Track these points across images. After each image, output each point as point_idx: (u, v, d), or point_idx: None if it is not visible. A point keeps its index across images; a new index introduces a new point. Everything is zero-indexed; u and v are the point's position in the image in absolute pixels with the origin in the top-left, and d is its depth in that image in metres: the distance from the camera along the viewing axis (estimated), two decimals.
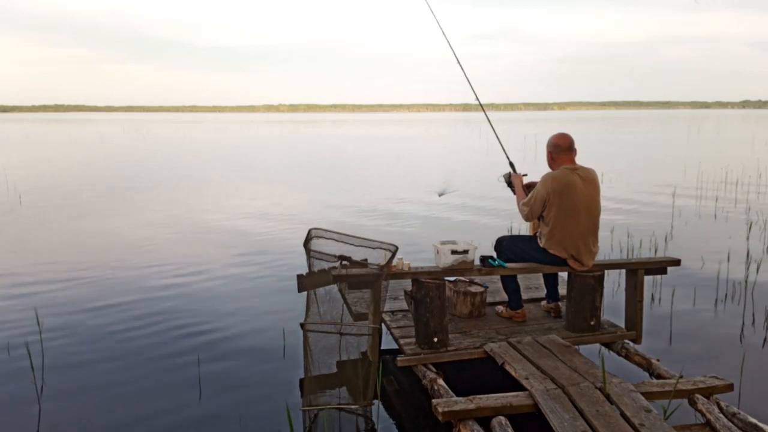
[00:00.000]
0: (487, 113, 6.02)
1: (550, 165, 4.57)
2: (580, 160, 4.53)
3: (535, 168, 5.51)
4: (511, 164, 5.15)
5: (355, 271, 4.07)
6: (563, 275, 5.04)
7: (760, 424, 3.23)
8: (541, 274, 5.26)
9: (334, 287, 4.24)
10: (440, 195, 9.92)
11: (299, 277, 4.10)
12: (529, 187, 4.91)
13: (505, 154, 5.31)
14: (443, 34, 5.87)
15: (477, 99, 5.86)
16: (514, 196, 4.94)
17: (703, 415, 3.46)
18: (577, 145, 4.53)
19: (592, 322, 4.50)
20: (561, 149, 4.49)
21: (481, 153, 26.13)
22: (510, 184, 5.03)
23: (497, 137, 5.56)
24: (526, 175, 4.99)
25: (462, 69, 5.79)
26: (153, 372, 4.65)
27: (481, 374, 4.49)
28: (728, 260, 7.56)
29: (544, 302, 5.09)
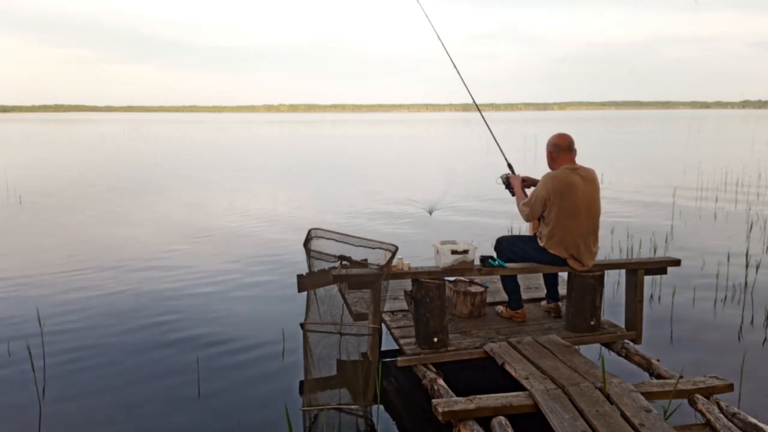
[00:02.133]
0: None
1: (550, 165, 4.58)
2: (581, 160, 4.53)
3: (535, 168, 5.51)
4: (509, 165, 5.15)
5: (355, 271, 4.07)
6: (563, 275, 5.04)
7: (760, 424, 3.23)
8: (541, 274, 5.26)
9: (334, 287, 4.23)
10: (430, 213, 9.98)
11: (299, 277, 4.10)
12: (525, 181, 4.91)
13: (503, 155, 5.31)
14: (439, 38, 5.88)
15: (474, 101, 5.87)
16: (514, 198, 4.94)
17: (703, 415, 3.46)
18: (577, 145, 4.54)
19: (592, 322, 4.50)
20: (561, 149, 4.49)
21: (481, 153, 26.13)
22: (508, 185, 5.03)
23: (495, 139, 5.56)
24: (526, 181, 4.98)
25: (458, 72, 5.79)
26: (153, 372, 4.65)
27: (481, 374, 4.49)
28: (728, 260, 7.56)
29: (544, 302, 5.09)
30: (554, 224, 4.39)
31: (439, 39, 5.87)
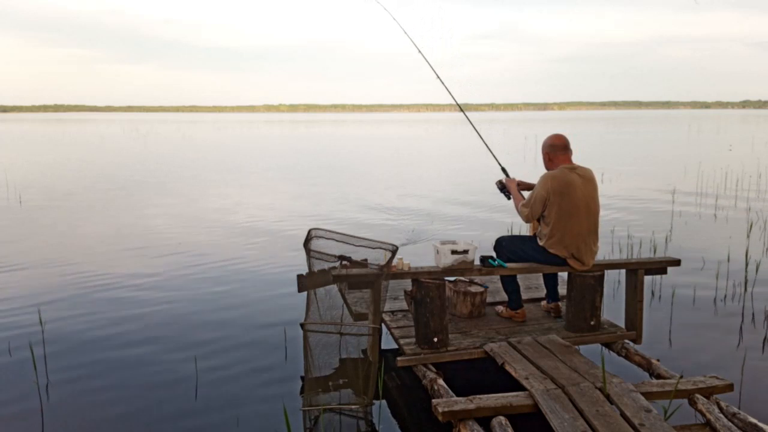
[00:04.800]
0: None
1: (547, 166, 4.58)
2: (581, 160, 4.54)
3: (535, 168, 5.51)
4: (503, 169, 5.15)
5: (355, 271, 4.07)
6: (563, 275, 5.04)
7: (760, 424, 3.23)
8: (540, 274, 5.26)
9: (334, 287, 4.24)
10: (408, 243, 10.00)
11: (299, 277, 4.10)
12: (520, 185, 4.91)
13: (496, 159, 5.31)
14: (419, 51, 5.92)
15: (459, 106, 5.89)
16: (510, 201, 4.94)
17: (703, 415, 3.46)
18: (577, 146, 4.54)
19: (592, 322, 4.50)
20: (557, 149, 4.50)
21: (481, 153, 26.09)
22: (503, 189, 5.02)
23: (485, 143, 5.55)
24: (520, 185, 4.97)
25: (439, 78, 5.82)
26: (152, 371, 4.65)
27: (481, 374, 4.49)
28: (728, 260, 7.56)
29: (544, 302, 5.09)
30: (554, 224, 4.39)
31: (419, 51, 5.91)
